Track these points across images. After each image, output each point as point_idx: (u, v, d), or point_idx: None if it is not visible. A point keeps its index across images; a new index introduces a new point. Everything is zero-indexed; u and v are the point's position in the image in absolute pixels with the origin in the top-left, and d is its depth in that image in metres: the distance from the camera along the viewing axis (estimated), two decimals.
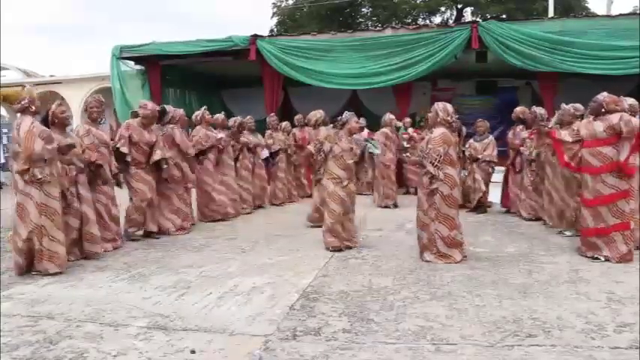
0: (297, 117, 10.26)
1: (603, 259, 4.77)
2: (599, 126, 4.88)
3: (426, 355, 2.84)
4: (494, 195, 8.20)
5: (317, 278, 4.38)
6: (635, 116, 5.13)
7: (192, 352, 2.92)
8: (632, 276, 4.24)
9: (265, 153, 8.92)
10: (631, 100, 5.48)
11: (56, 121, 4.94)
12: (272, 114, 10.02)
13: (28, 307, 3.71)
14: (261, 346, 2.98)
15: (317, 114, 7.23)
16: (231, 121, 8.10)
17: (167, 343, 3.05)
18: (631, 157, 4.73)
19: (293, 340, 3.07)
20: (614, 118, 4.78)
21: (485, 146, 7.89)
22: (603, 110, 4.87)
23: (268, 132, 9.26)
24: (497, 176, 8.23)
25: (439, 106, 5.03)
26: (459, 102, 14.14)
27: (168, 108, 6.90)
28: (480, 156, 7.87)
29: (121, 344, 3.03)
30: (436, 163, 4.76)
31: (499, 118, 12.61)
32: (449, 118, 4.96)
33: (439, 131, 4.89)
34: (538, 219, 7.01)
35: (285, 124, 9.76)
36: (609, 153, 4.79)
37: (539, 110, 6.94)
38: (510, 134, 7.77)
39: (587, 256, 4.92)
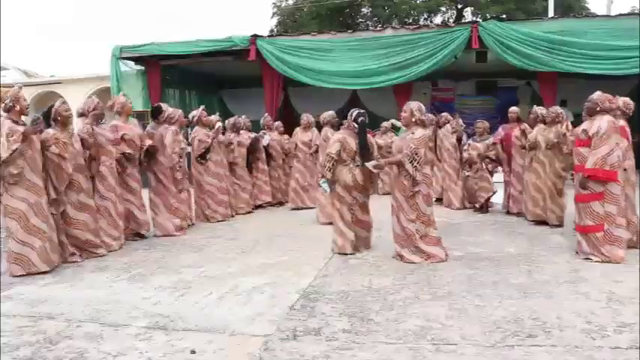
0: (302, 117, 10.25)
1: (597, 260, 4.73)
2: (583, 125, 4.92)
3: (426, 355, 2.84)
4: (494, 195, 8.18)
5: (317, 278, 4.38)
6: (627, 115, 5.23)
7: (193, 352, 2.92)
8: (632, 276, 4.23)
9: (267, 139, 8.83)
10: (623, 99, 5.44)
11: (59, 119, 4.95)
12: (266, 114, 10.08)
13: (28, 307, 3.72)
14: (261, 346, 2.98)
15: (325, 114, 7.33)
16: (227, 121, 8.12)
17: (167, 343, 3.06)
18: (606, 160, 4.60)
19: (293, 340, 3.07)
20: (595, 121, 4.77)
21: (488, 146, 7.87)
22: (598, 109, 4.84)
23: (262, 132, 9.24)
24: (498, 176, 8.22)
25: (414, 105, 4.96)
26: (459, 102, 14.19)
27: (164, 107, 6.78)
28: (488, 154, 7.83)
29: (121, 344, 3.03)
30: (416, 165, 4.72)
31: (499, 118, 12.60)
32: (424, 117, 4.98)
33: (420, 132, 4.86)
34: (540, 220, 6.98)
35: (277, 123, 9.72)
36: (587, 154, 4.75)
37: (540, 110, 6.92)
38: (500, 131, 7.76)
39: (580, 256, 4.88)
